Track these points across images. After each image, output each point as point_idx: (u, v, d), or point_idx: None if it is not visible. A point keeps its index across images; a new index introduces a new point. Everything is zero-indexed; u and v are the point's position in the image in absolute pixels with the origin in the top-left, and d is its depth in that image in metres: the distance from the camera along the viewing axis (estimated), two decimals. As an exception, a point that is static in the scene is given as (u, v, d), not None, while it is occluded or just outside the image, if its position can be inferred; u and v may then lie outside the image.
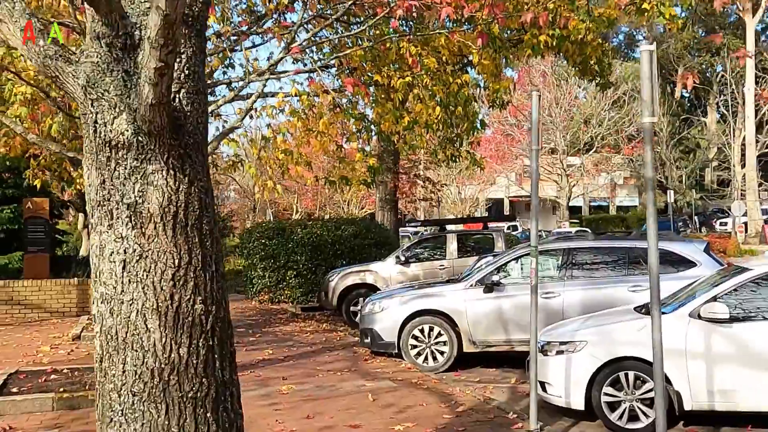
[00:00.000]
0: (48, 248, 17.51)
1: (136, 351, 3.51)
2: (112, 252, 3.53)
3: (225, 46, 11.82)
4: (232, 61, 13.02)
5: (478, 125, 11.81)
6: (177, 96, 3.54)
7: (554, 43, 11.03)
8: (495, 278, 10.66)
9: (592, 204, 62.51)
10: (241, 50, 10.86)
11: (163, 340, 3.50)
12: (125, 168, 3.49)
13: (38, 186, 10.75)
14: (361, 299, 14.50)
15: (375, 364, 10.74)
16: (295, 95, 10.20)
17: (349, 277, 16.05)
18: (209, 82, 12.97)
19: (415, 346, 10.84)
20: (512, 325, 10.46)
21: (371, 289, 15.36)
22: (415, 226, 26.29)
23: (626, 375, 7.38)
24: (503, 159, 51.68)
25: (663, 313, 7.13)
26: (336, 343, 12.73)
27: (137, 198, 3.49)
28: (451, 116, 11.36)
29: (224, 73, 13.12)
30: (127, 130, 3.43)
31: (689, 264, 10.07)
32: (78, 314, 16.58)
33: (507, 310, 10.51)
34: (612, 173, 56.19)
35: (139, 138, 3.44)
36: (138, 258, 3.51)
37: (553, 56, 12.88)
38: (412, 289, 11.75)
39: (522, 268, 10.97)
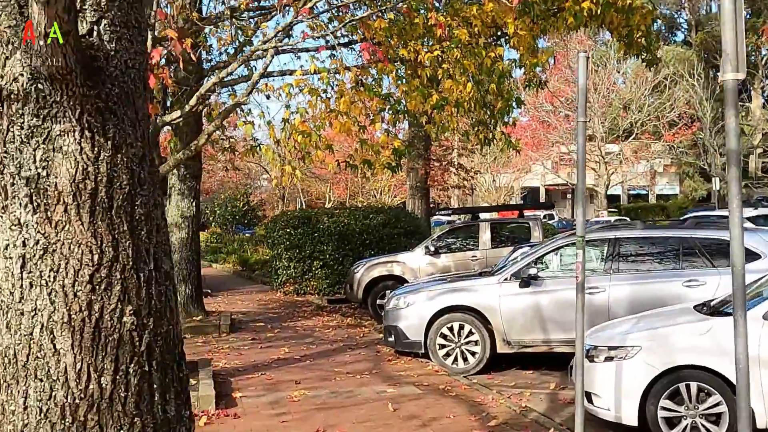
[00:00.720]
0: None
1: (42, 380, 2.55)
2: (8, 245, 2.58)
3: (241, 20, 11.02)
4: (250, 39, 12.19)
5: (514, 104, 10.78)
6: (95, 28, 2.56)
7: (598, 11, 9.98)
8: (532, 271, 9.61)
9: (631, 192, 60.82)
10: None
11: (78, 365, 2.55)
12: (21, 128, 2.52)
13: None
14: (387, 292, 13.56)
15: (399, 365, 9.77)
16: (314, 72, 9.33)
17: (375, 269, 15.11)
18: (226, 60, 12.14)
19: (443, 346, 9.84)
20: (551, 323, 9.42)
21: (399, 281, 14.44)
22: (447, 214, 25.18)
23: (687, 386, 6.31)
24: (539, 146, 50.19)
25: (728, 314, 6.09)
26: (359, 341, 11.79)
27: (40, 170, 2.53)
28: (484, 94, 10.36)
29: (243, 51, 12.28)
30: (22, 75, 2.47)
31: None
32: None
33: (545, 307, 9.48)
34: (652, 161, 54.40)
35: (39, 85, 2.47)
36: (42, 253, 2.55)
37: (596, 27, 11.67)
38: (440, 283, 10.73)
39: (561, 260, 9.92)
